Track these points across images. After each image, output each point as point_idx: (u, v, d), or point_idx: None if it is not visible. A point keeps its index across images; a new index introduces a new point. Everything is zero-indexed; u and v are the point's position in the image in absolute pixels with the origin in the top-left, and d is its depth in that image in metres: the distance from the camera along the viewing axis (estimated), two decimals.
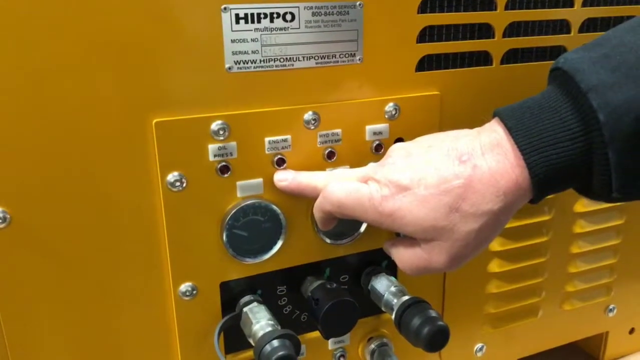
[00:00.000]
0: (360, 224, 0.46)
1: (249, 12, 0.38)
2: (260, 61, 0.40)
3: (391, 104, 0.44)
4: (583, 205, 0.56)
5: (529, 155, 0.33)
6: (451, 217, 0.34)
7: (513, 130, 0.34)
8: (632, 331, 0.66)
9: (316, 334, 0.47)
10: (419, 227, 0.35)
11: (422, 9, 0.44)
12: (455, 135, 0.37)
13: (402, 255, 0.39)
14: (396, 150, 0.39)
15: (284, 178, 0.41)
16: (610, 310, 0.63)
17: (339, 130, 0.43)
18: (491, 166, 0.34)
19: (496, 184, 0.34)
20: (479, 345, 0.56)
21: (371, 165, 0.41)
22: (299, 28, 0.40)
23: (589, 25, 0.51)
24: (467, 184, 0.34)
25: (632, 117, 0.30)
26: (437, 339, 0.41)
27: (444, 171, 0.35)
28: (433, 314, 0.42)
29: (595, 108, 0.31)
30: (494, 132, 0.35)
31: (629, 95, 0.30)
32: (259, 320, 0.41)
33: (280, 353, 0.38)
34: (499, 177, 0.34)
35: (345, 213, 0.39)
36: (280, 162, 0.42)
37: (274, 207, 0.42)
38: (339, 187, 0.39)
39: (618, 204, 0.57)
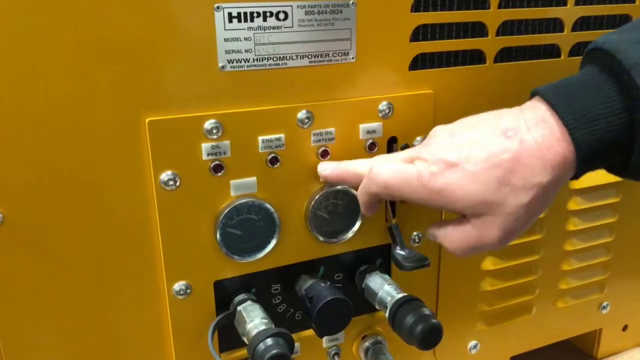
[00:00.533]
0: (354, 222, 0.46)
1: (242, 10, 0.38)
2: (254, 60, 0.40)
3: (385, 102, 0.44)
4: (576, 203, 0.56)
5: (575, 130, 0.34)
6: (502, 191, 0.35)
7: (557, 106, 0.34)
8: (625, 328, 0.66)
9: (310, 332, 0.47)
10: (470, 202, 0.35)
11: (416, 8, 0.44)
12: (498, 114, 0.37)
13: (452, 236, 0.39)
14: (439, 131, 0.39)
15: (327, 167, 0.42)
16: (604, 308, 0.63)
17: (332, 129, 0.43)
18: (538, 140, 0.34)
19: (543, 157, 0.34)
20: (473, 342, 0.56)
21: (414, 148, 0.41)
22: (292, 27, 0.40)
23: (582, 24, 0.51)
24: (516, 157, 0.34)
25: None
26: (431, 337, 0.41)
27: (492, 146, 0.35)
28: (426, 311, 0.42)
29: (638, 84, 0.32)
30: (537, 109, 0.36)
31: None
32: (253, 319, 0.41)
33: (274, 351, 0.38)
34: (546, 151, 0.34)
35: (393, 193, 0.38)
36: (274, 161, 0.42)
37: (268, 205, 0.42)
38: (385, 167, 0.39)
39: (612, 201, 0.58)
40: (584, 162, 0.35)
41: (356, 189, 0.43)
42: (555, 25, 0.50)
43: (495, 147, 0.35)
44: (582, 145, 0.34)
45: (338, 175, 0.43)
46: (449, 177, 0.36)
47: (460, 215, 0.38)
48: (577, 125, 0.34)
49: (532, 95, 0.37)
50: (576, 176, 0.36)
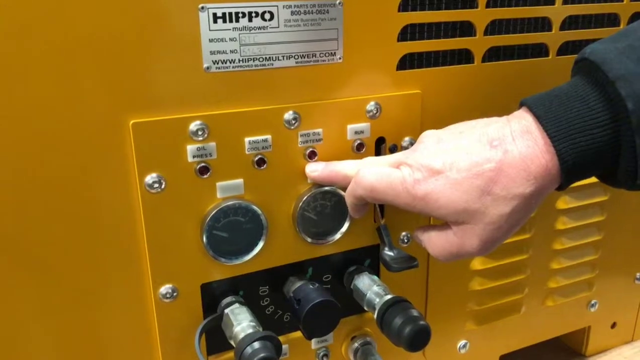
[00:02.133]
0: (343, 223, 0.46)
1: (227, 11, 0.38)
2: (239, 61, 0.39)
3: (372, 102, 0.44)
4: (565, 202, 0.56)
5: (558, 142, 0.34)
6: (483, 200, 0.35)
7: (542, 118, 0.35)
8: (613, 325, 0.66)
9: (299, 333, 0.46)
10: (452, 210, 0.36)
11: (403, 7, 0.44)
12: (486, 122, 0.38)
13: (435, 242, 0.39)
14: (427, 136, 0.39)
15: (315, 169, 0.43)
16: (592, 306, 0.63)
17: (320, 130, 0.43)
18: (522, 151, 0.34)
19: (527, 169, 0.34)
20: (462, 342, 0.56)
21: (402, 152, 0.41)
22: (278, 27, 0.40)
23: (570, 23, 0.51)
24: (499, 167, 0.35)
25: None
26: (419, 339, 0.41)
27: (476, 155, 0.35)
28: (415, 313, 0.42)
29: (623, 96, 0.32)
30: (523, 120, 0.36)
31: None
32: (240, 322, 0.41)
33: (261, 355, 0.37)
34: (530, 162, 0.34)
35: (377, 197, 0.39)
36: (261, 163, 0.41)
37: (255, 207, 0.42)
38: (371, 171, 0.39)
39: (600, 200, 0.58)
40: (567, 173, 0.34)
41: (344, 190, 0.43)
42: (543, 24, 0.50)
43: (480, 156, 0.35)
44: (565, 157, 0.34)
45: (326, 177, 0.43)
46: (432, 185, 0.36)
47: (444, 222, 0.39)
48: (560, 137, 0.34)
49: (521, 105, 0.37)
50: (561, 187, 0.36)
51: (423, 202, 0.36)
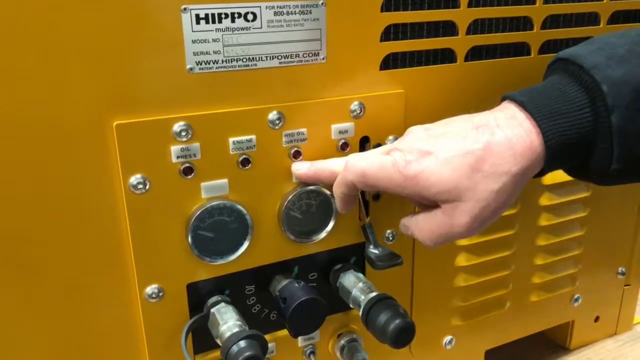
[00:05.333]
0: (328, 221, 0.46)
1: (210, 12, 0.38)
2: (223, 61, 0.39)
3: (356, 102, 0.44)
4: (548, 198, 0.57)
5: (542, 122, 0.36)
6: (473, 177, 0.36)
7: (526, 103, 0.37)
8: (597, 319, 0.67)
9: (286, 332, 0.47)
10: (443, 187, 0.37)
11: (386, 7, 0.44)
12: (470, 115, 0.40)
13: (423, 225, 0.40)
14: (414, 128, 0.41)
15: (301, 167, 0.43)
16: (576, 300, 0.64)
17: (304, 130, 0.43)
18: (507, 133, 0.37)
19: (513, 147, 0.36)
20: (448, 338, 0.57)
21: (388, 145, 0.42)
22: (261, 28, 0.40)
23: (551, 22, 0.52)
24: (486, 147, 0.36)
25: (630, 88, 0.35)
26: (403, 336, 0.41)
27: (464, 137, 0.37)
28: (399, 310, 0.42)
29: (598, 81, 0.35)
30: (506, 109, 0.38)
31: (626, 71, 0.36)
32: (227, 321, 0.41)
33: (247, 354, 0.38)
34: (515, 142, 0.36)
35: (369, 182, 0.39)
36: (245, 163, 0.42)
37: (240, 207, 0.42)
38: (361, 157, 0.40)
39: (583, 196, 0.59)
40: (551, 155, 0.36)
41: (330, 188, 0.43)
42: (525, 23, 0.51)
43: (468, 138, 0.37)
44: (549, 135, 0.36)
45: (313, 174, 0.43)
46: (424, 164, 0.37)
47: (431, 205, 0.40)
48: (543, 118, 0.36)
49: (502, 100, 0.39)
50: (542, 172, 0.38)
51: (414, 182, 0.37)
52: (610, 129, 0.35)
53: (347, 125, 0.45)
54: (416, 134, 0.40)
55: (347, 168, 0.40)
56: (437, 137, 0.39)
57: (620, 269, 0.66)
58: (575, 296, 0.64)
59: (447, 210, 0.38)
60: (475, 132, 0.37)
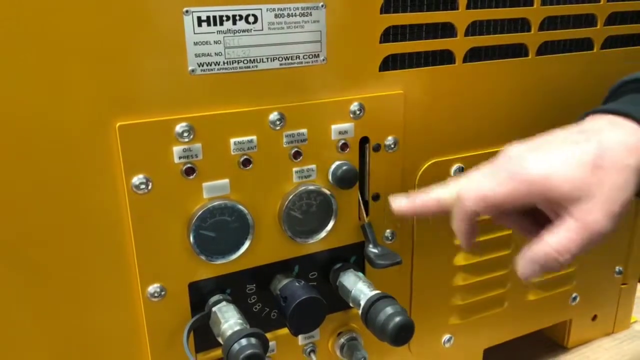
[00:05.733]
0: (328, 221, 0.46)
1: (211, 14, 0.38)
2: (224, 63, 0.40)
3: (356, 103, 0.45)
4: None
5: None
6: (596, 173, 0.36)
7: (620, 109, 0.38)
8: (594, 318, 0.68)
9: (286, 330, 0.47)
10: (571, 185, 0.36)
11: (385, 9, 0.44)
12: (564, 130, 0.39)
13: (555, 241, 0.36)
14: (510, 147, 0.39)
15: (402, 201, 0.43)
16: (574, 299, 0.65)
17: (304, 130, 0.44)
18: (614, 133, 0.37)
19: (625, 143, 0.36)
20: (446, 336, 0.57)
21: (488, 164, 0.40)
22: (262, 30, 0.40)
23: (549, 23, 0.52)
24: (599, 145, 0.36)
25: None
26: (402, 334, 0.42)
27: (573, 142, 0.37)
28: (398, 309, 0.43)
29: None
30: (599, 119, 0.38)
31: None
32: (228, 320, 0.42)
33: (248, 352, 0.38)
34: (625, 139, 0.36)
35: (493, 203, 0.38)
36: (246, 163, 0.42)
37: (241, 207, 0.42)
38: (471, 182, 0.39)
39: None
40: None
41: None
42: (523, 24, 0.51)
43: (578, 142, 0.37)
44: None
45: (420, 207, 0.42)
46: (544, 167, 0.36)
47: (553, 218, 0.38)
48: None
49: (585, 116, 0.40)
50: None
51: (540, 185, 0.36)
52: None
53: (347, 125, 0.45)
54: (517, 147, 0.39)
55: (462, 199, 0.39)
56: (543, 145, 0.38)
57: (617, 268, 0.67)
58: (573, 295, 0.64)
59: (577, 211, 0.36)
60: (582, 136, 0.37)
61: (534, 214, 0.41)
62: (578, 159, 0.36)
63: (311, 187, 0.45)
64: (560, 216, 0.37)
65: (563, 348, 0.68)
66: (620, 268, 0.67)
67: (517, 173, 0.37)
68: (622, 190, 0.36)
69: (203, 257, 0.42)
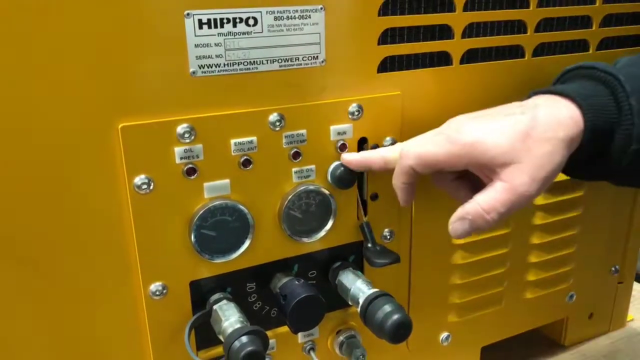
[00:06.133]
0: (327, 220, 0.47)
1: (212, 17, 0.39)
2: (225, 65, 0.41)
3: (354, 104, 0.45)
4: (542, 198, 0.58)
5: (579, 99, 0.40)
6: (526, 141, 0.39)
7: (559, 90, 0.42)
8: (591, 316, 0.69)
9: (286, 328, 0.48)
10: (500, 150, 0.39)
11: (383, 12, 0.45)
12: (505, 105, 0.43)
13: (486, 201, 0.39)
14: (455, 117, 0.43)
15: (351, 155, 0.46)
16: (570, 297, 0.65)
17: (303, 131, 0.44)
18: (550, 108, 0.40)
19: (556, 117, 0.40)
20: (444, 334, 0.58)
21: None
22: (262, 32, 0.41)
23: (545, 25, 0.53)
24: (533, 117, 0.40)
25: None
26: (400, 331, 0.42)
27: (509, 114, 0.41)
28: (396, 307, 0.44)
29: (614, 73, 0.42)
30: (541, 96, 0.43)
31: (636, 68, 0.43)
32: (228, 318, 0.42)
33: (249, 349, 0.39)
34: (558, 113, 0.40)
35: (428, 162, 0.41)
36: (247, 163, 0.43)
37: (241, 207, 0.43)
38: (414, 142, 0.43)
39: (577, 195, 0.60)
40: (590, 130, 0.40)
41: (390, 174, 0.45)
42: (519, 26, 0.52)
43: (514, 114, 0.40)
44: (586, 110, 0.40)
45: (365, 161, 0.45)
46: (477, 132, 0.40)
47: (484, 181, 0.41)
48: (578, 97, 0.40)
49: (529, 96, 0.44)
50: (582, 148, 0.41)
51: (472, 148, 0.39)
52: (631, 110, 0.40)
53: (346, 126, 0.46)
54: (459, 118, 0.42)
55: (403, 156, 0.42)
56: (483, 115, 0.41)
57: (613, 267, 0.67)
58: (570, 293, 0.65)
59: (506, 174, 0.39)
60: (520, 109, 0.40)
61: (469, 179, 0.44)
62: (511, 127, 0.39)
63: (310, 187, 0.45)
64: (491, 180, 0.40)
65: (560, 346, 0.69)
66: (617, 267, 0.67)
67: (453, 137, 0.40)
68: (549, 159, 0.39)
69: (204, 256, 0.43)
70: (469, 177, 0.44)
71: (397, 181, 0.44)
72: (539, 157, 0.39)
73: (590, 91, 0.42)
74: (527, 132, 0.39)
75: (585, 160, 0.43)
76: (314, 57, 0.43)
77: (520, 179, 0.38)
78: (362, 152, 0.46)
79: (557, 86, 0.43)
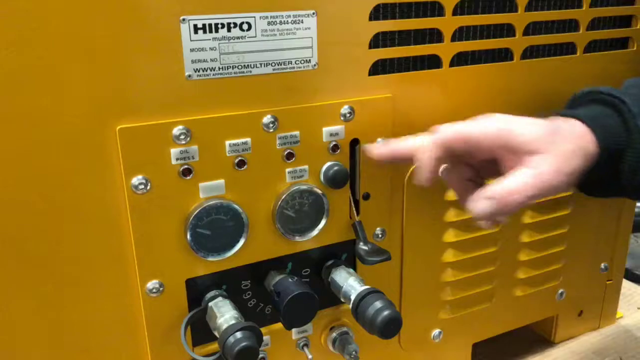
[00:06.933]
0: (320, 220, 0.48)
1: (207, 22, 0.40)
2: (219, 69, 0.42)
3: (346, 106, 0.47)
4: None
5: (590, 123, 0.43)
6: (553, 136, 0.42)
7: (566, 112, 0.45)
8: (580, 314, 0.70)
9: (280, 325, 0.49)
10: (531, 137, 0.41)
11: (374, 16, 0.46)
12: None
13: (512, 184, 0.41)
14: None
15: (377, 146, 0.48)
16: (560, 295, 0.66)
17: (297, 133, 0.45)
18: (568, 124, 0.43)
19: (574, 132, 0.43)
20: (436, 331, 0.59)
21: None
22: (255, 37, 0.42)
23: (533, 29, 0.54)
24: (557, 125, 0.43)
25: None
26: (390, 327, 0.44)
27: (536, 122, 0.43)
28: (386, 303, 0.45)
29: (619, 95, 0.45)
30: (557, 118, 0.44)
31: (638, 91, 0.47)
32: (224, 314, 0.43)
33: (243, 344, 0.40)
34: (573, 128, 0.43)
35: (463, 135, 0.43)
36: (241, 164, 0.44)
37: (236, 206, 0.44)
38: (448, 125, 0.44)
39: (566, 194, 0.61)
40: (604, 149, 0.43)
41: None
42: (508, 29, 0.53)
43: (540, 122, 0.43)
44: (597, 132, 0.43)
45: (392, 151, 0.46)
46: (512, 120, 0.43)
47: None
48: (586, 118, 0.44)
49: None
50: (598, 168, 0.43)
51: (507, 132, 0.42)
52: (639, 131, 0.43)
53: (338, 128, 0.47)
54: (492, 114, 0.44)
55: (440, 130, 0.44)
56: (512, 116, 0.43)
57: (602, 265, 0.68)
58: (560, 291, 0.66)
59: (533, 162, 0.41)
60: (543, 120, 0.43)
61: (481, 184, 0.46)
62: (541, 123, 0.42)
63: (304, 187, 0.46)
64: (513, 168, 0.42)
65: (550, 343, 0.70)
66: (606, 265, 0.69)
67: (490, 120, 0.43)
68: (572, 155, 0.41)
69: (200, 255, 0.44)
70: (481, 182, 0.46)
71: (425, 155, 0.44)
72: (565, 152, 0.41)
73: (599, 113, 0.45)
74: (554, 130, 0.42)
75: (601, 180, 0.45)
76: (306, 60, 0.44)
77: (547, 168, 0.40)
78: (388, 143, 0.47)
79: (566, 110, 0.46)
